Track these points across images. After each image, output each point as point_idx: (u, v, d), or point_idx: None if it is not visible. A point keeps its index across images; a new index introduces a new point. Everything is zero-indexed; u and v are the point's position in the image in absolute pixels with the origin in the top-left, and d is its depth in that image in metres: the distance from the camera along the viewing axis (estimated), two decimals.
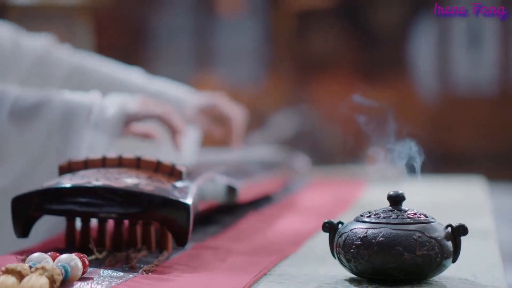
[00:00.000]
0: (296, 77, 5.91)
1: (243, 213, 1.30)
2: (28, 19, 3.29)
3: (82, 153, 1.19)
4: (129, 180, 0.94)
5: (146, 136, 1.33)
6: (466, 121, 5.53)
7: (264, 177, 1.44)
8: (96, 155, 1.01)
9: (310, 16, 5.94)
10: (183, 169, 0.99)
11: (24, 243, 1.01)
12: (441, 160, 5.27)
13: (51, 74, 1.52)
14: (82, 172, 0.97)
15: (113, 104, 1.24)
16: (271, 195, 1.53)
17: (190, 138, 1.61)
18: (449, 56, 5.51)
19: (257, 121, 5.36)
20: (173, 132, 1.26)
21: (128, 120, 1.24)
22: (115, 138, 1.25)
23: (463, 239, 0.83)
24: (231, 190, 1.19)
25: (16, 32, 1.50)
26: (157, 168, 0.99)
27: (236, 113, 1.62)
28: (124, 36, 5.82)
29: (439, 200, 1.67)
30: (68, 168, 1.00)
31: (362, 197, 1.64)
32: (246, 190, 1.26)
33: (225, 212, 1.27)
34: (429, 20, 5.25)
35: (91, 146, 1.21)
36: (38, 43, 1.51)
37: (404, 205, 0.85)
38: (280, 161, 1.71)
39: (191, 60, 6.11)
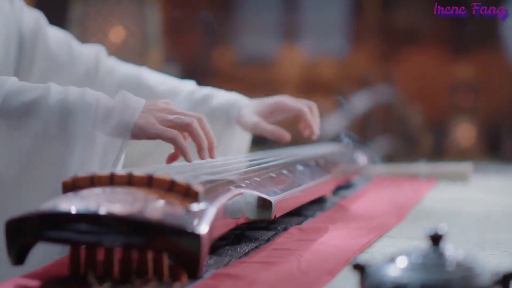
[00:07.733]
0: (381, 50, 5.74)
1: (284, 225, 1.18)
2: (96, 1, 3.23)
3: (92, 163, 1.07)
4: (135, 204, 0.82)
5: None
6: None
7: (312, 183, 1.32)
8: (103, 171, 0.90)
9: None
10: (200, 188, 0.88)
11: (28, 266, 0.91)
12: None
13: (101, 85, 1.44)
14: (84, 193, 0.86)
15: (116, 111, 1.09)
16: (323, 198, 1.41)
17: (239, 143, 1.51)
18: None
19: (337, 98, 5.22)
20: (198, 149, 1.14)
21: (132, 135, 1.10)
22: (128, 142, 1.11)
23: None
24: (265, 204, 1.07)
25: (68, 39, 1.44)
26: (171, 188, 0.88)
27: (303, 105, 1.46)
28: (208, 9, 5.74)
29: (507, 204, 1.52)
30: (72, 185, 0.90)
31: (423, 201, 1.51)
32: (285, 202, 1.14)
33: (263, 225, 1.16)
34: None
35: (105, 151, 1.08)
36: (88, 52, 1.46)
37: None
38: (339, 160, 1.58)
39: (275, 32, 6.01)
